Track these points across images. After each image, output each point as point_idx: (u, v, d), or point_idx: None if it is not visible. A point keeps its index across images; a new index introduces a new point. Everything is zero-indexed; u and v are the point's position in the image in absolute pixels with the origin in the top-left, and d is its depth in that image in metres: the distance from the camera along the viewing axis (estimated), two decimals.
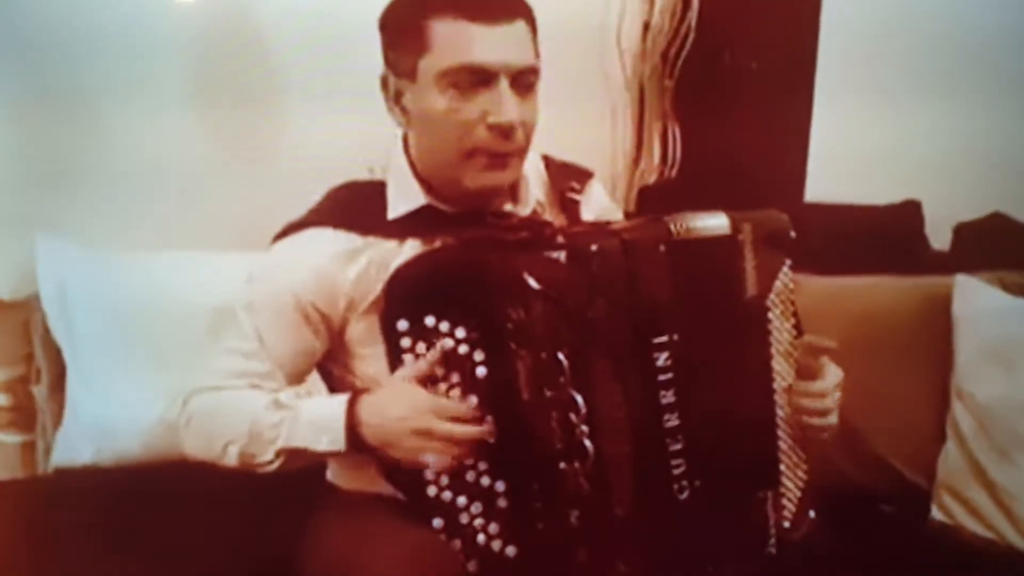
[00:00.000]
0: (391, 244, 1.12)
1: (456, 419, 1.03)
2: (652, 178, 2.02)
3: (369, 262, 1.12)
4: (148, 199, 1.77)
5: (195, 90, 1.80)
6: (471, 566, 1.04)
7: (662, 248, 1.04)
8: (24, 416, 1.71)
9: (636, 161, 2.05)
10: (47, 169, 1.74)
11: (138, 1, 1.74)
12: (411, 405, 1.03)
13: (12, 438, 1.71)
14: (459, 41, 1.05)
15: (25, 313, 1.71)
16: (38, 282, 1.68)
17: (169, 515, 1.47)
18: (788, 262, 1.13)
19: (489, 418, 1.04)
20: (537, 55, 1.10)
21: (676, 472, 1.04)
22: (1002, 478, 1.53)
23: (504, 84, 1.05)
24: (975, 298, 1.64)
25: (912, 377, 1.66)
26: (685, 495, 1.04)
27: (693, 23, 1.92)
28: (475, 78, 1.05)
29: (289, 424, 1.08)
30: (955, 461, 1.59)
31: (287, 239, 1.15)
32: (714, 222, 1.08)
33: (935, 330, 1.64)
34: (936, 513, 1.60)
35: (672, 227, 1.04)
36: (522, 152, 1.11)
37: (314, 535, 1.17)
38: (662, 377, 1.03)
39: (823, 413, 1.15)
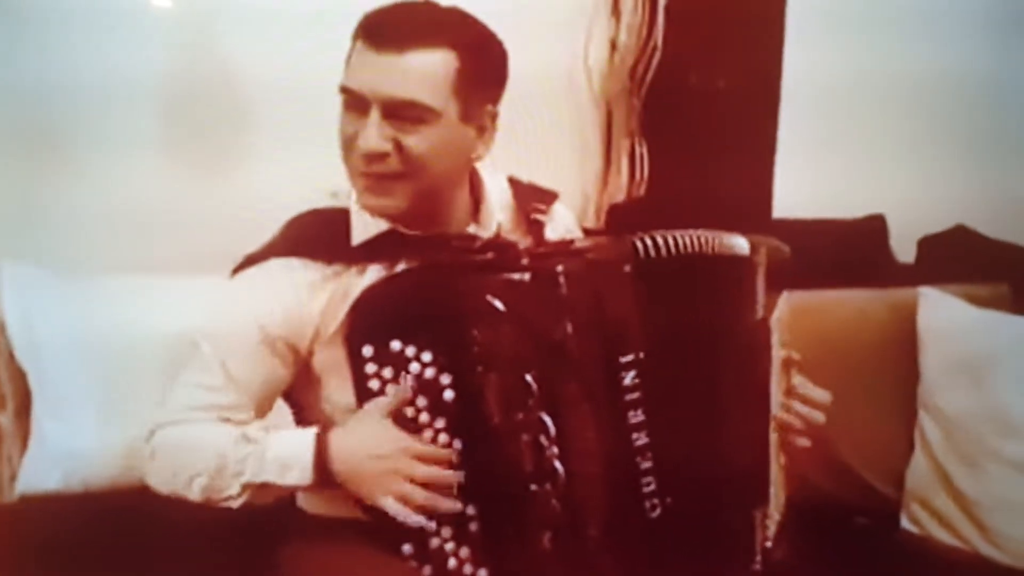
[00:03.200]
0: (356, 271, 1.12)
1: (428, 461, 1.02)
2: (621, 196, 2.03)
3: (335, 291, 1.11)
4: (116, 226, 1.76)
5: (163, 125, 1.80)
6: None
7: (627, 268, 1.04)
8: None
9: (605, 179, 2.06)
10: (13, 197, 1.73)
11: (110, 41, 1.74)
12: (382, 443, 1.03)
13: None
14: (353, 63, 1.08)
15: None
16: (3, 308, 1.66)
17: (138, 543, 1.45)
18: (785, 292, 1.15)
19: (458, 444, 1.04)
20: (455, 90, 1.07)
21: (647, 490, 1.03)
22: (969, 487, 1.55)
23: (374, 113, 1.05)
24: (940, 310, 1.66)
25: (880, 389, 1.67)
26: (656, 513, 1.04)
27: (659, 42, 1.93)
28: (354, 102, 1.07)
29: (256, 459, 1.06)
30: (923, 471, 1.61)
31: (251, 269, 1.14)
32: (735, 242, 1.10)
33: (901, 342, 1.67)
34: (906, 523, 1.62)
35: (638, 245, 1.04)
36: (403, 178, 1.08)
37: (285, 564, 1.16)
38: (629, 396, 1.03)
39: (811, 423, 1.16)
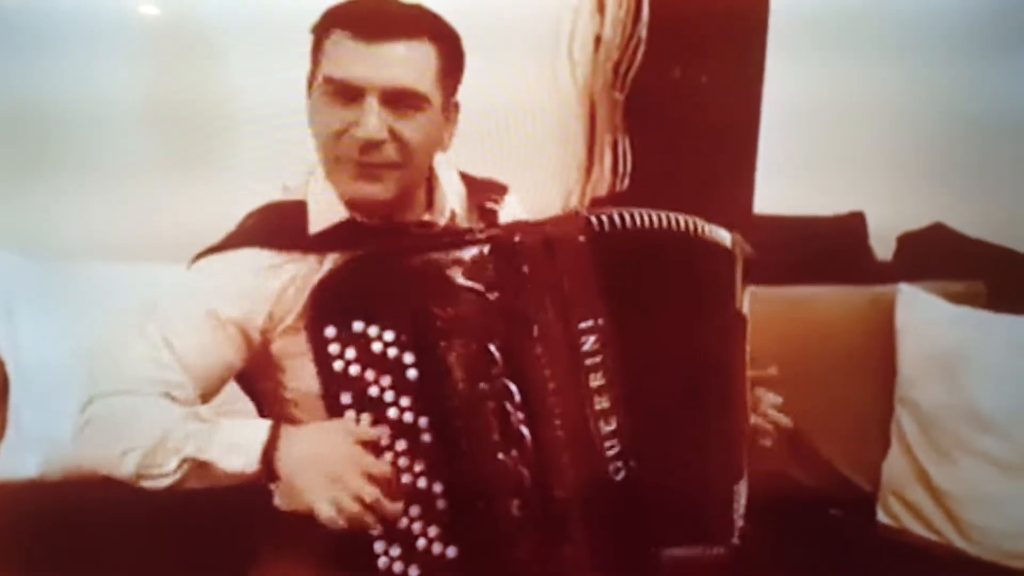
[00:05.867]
0: (313, 259, 1.12)
1: (375, 481, 1.00)
2: (603, 189, 2.04)
3: (292, 277, 1.11)
4: (98, 210, 1.75)
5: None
6: (412, 572, 1.03)
7: (581, 238, 1.06)
8: None
9: (588, 172, 2.06)
10: None
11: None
12: (338, 455, 1.00)
13: None
14: (337, 55, 1.08)
15: None
16: None
17: (116, 530, 1.44)
18: (750, 287, 1.18)
19: (423, 422, 1.04)
20: (441, 82, 1.10)
21: (610, 454, 1.05)
22: (944, 482, 1.57)
23: (371, 101, 1.06)
24: (917, 307, 1.68)
25: (857, 384, 1.69)
26: (621, 476, 1.05)
27: (643, 36, 1.94)
28: (345, 92, 1.08)
29: (203, 436, 1.04)
30: (899, 465, 1.63)
31: (208, 258, 1.14)
32: (710, 228, 1.13)
33: (879, 338, 1.68)
34: (882, 516, 1.63)
35: (592, 218, 1.07)
36: (397, 167, 1.10)
37: (258, 561, 1.16)
38: (590, 361, 1.04)
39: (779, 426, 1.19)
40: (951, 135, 2.06)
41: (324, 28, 1.10)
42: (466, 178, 1.27)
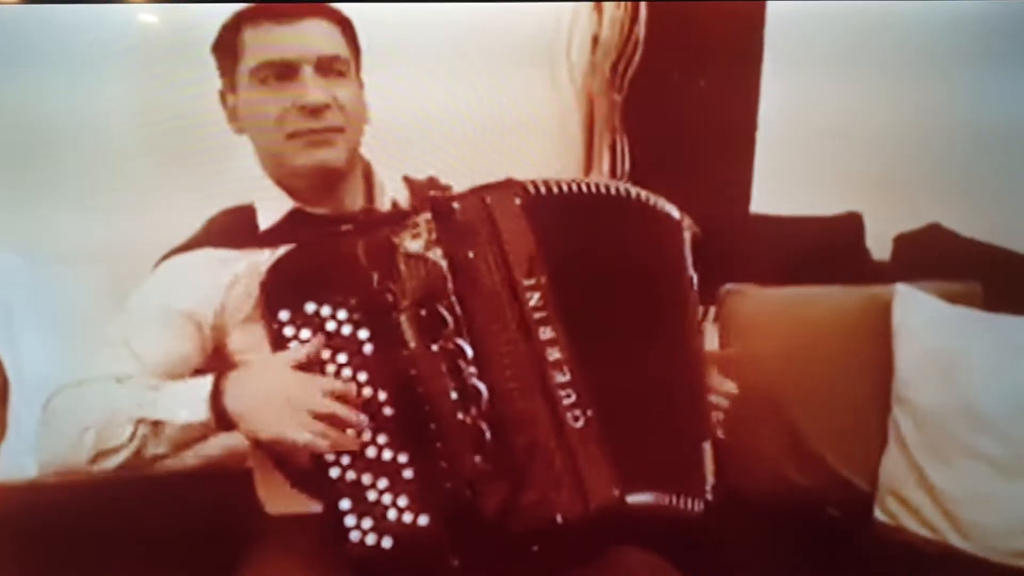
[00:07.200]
0: (265, 254, 1.15)
1: (334, 397, 1.04)
2: None
3: (243, 270, 1.15)
4: (96, 212, 1.75)
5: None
6: (386, 542, 1.04)
7: (517, 201, 1.09)
8: None
9: (586, 173, 2.07)
10: None
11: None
12: (281, 377, 1.04)
13: None
14: (261, 41, 1.17)
15: None
16: None
17: (113, 532, 1.45)
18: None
19: (383, 395, 1.06)
20: (352, 50, 1.22)
21: (567, 403, 1.06)
22: (941, 481, 1.58)
23: (307, 71, 1.16)
24: (914, 307, 1.68)
25: (854, 384, 1.69)
26: (580, 424, 1.06)
27: (641, 38, 1.94)
28: (280, 71, 1.16)
29: (151, 399, 1.06)
30: (896, 465, 1.63)
31: (166, 261, 1.20)
32: (663, 204, 1.19)
33: (876, 338, 1.69)
34: (879, 515, 1.64)
35: (528, 187, 1.10)
36: (341, 130, 1.18)
37: (248, 563, 1.17)
38: (538, 315, 1.07)
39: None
40: (949, 136, 2.06)
41: (236, 28, 1.18)
42: (409, 181, 1.31)
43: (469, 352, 1.05)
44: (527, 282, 1.07)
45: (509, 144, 1.89)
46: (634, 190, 1.16)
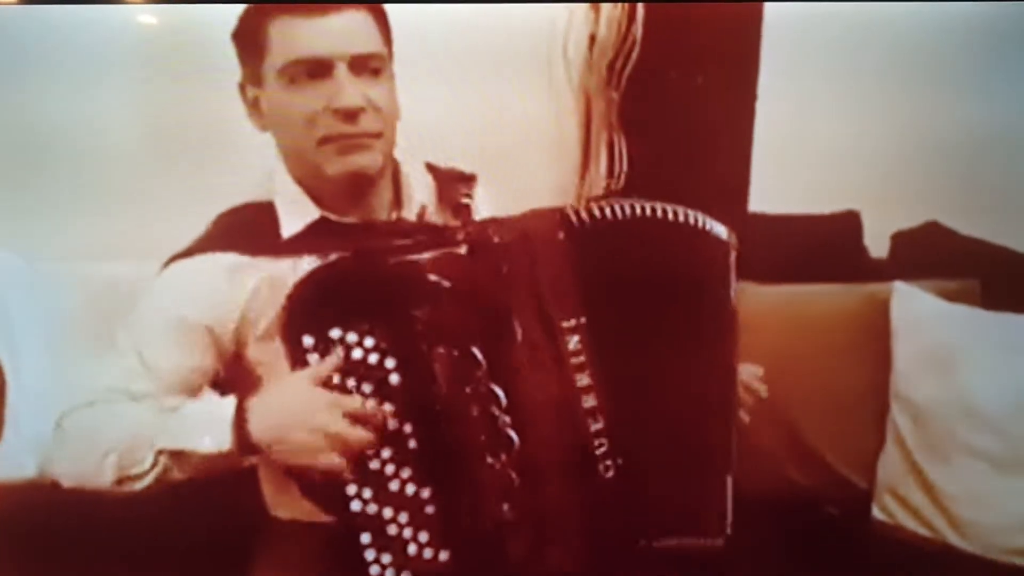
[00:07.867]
0: (286, 263, 1.10)
1: (355, 418, 1.00)
2: (599, 189, 2.04)
3: (262, 280, 1.10)
4: (94, 211, 1.75)
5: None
6: None
7: (561, 235, 1.05)
8: None
9: (584, 172, 2.07)
10: None
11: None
12: (305, 400, 1.00)
13: None
14: (291, 37, 1.07)
15: None
16: None
17: (112, 533, 1.44)
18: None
19: (408, 428, 1.03)
20: (386, 42, 1.12)
21: (599, 452, 1.04)
22: (939, 478, 1.58)
23: (342, 70, 1.07)
24: (912, 305, 1.68)
25: (852, 382, 1.70)
26: (610, 474, 1.04)
27: (638, 36, 1.94)
28: (312, 69, 1.07)
29: (173, 425, 1.03)
30: (894, 463, 1.63)
31: (175, 264, 1.12)
32: (713, 224, 1.12)
33: (874, 336, 1.69)
34: (878, 513, 1.64)
35: (570, 213, 1.06)
36: (378, 135, 1.10)
37: (254, 568, 1.16)
38: (575, 360, 1.04)
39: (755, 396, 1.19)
40: (946, 134, 2.06)
41: (259, 22, 1.09)
42: (433, 169, 1.25)
43: (502, 398, 1.01)
44: (566, 324, 1.04)
45: (506, 143, 1.89)
46: (683, 212, 1.11)
